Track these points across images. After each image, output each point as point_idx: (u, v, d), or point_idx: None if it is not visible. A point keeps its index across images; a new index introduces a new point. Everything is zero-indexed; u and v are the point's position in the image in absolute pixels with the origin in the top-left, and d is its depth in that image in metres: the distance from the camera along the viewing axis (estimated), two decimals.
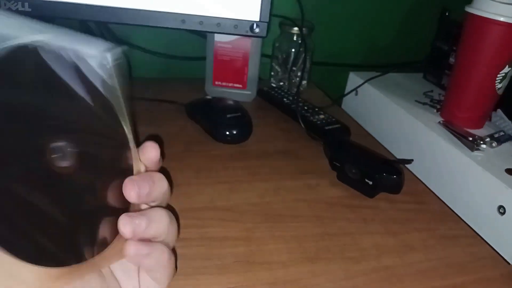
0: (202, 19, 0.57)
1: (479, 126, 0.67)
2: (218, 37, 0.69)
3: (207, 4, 0.57)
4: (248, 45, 0.70)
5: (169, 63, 0.86)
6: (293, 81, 0.84)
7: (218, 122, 0.60)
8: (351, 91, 0.84)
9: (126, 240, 0.26)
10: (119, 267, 0.28)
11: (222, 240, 0.43)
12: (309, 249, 0.43)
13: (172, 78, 0.85)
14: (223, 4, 0.57)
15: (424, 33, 0.94)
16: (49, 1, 0.55)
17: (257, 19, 0.58)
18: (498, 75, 0.62)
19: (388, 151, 0.68)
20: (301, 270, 0.40)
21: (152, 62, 0.84)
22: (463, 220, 0.52)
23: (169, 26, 0.57)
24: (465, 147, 0.59)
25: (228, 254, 0.41)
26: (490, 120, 0.70)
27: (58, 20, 0.74)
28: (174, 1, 0.56)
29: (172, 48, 0.85)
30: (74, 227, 0.25)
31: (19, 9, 0.54)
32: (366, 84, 0.81)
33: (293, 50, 0.81)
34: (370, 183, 0.51)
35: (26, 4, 0.54)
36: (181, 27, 0.58)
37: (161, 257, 0.28)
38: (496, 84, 0.62)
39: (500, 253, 0.48)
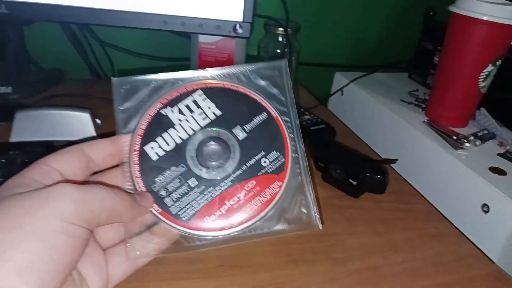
0: (184, 19, 0.56)
1: (463, 124, 0.68)
2: (202, 38, 0.69)
3: (189, 4, 0.56)
4: (233, 46, 0.69)
5: (153, 64, 0.85)
6: None
7: None
8: (337, 91, 0.84)
9: None
10: (85, 262, 0.28)
11: None
12: (294, 251, 0.43)
13: None
14: (205, 4, 0.56)
15: (409, 33, 0.94)
16: (28, 2, 0.54)
17: (240, 19, 0.57)
18: (482, 74, 0.62)
19: (374, 151, 0.68)
20: (286, 272, 0.40)
21: (136, 63, 0.84)
22: (447, 219, 0.52)
23: (151, 27, 0.57)
24: (450, 146, 0.60)
25: (211, 257, 0.40)
26: (474, 118, 0.70)
27: (38, 23, 0.74)
28: (155, 2, 0.55)
29: (156, 50, 0.84)
30: None
31: None
32: (351, 84, 0.81)
33: (278, 50, 0.81)
34: (355, 183, 0.51)
35: (3, 6, 0.53)
36: (163, 28, 0.57)
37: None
38: (479, 83, 0.63)
39: (485, 251, 0.48)
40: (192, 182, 0.34)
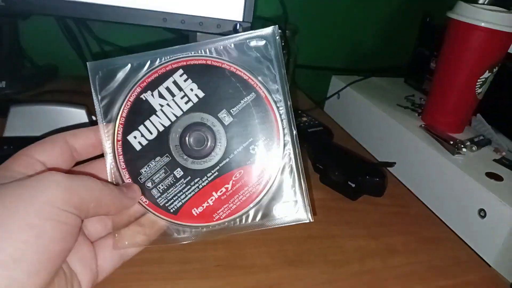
0: (184, 17, 0.56)
1: (460, 130, 0.68)
2: (200, 37, 0.68)
3: (189, 2, 0.55)
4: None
5: None
6: None
7: None
8: (333, 94, 0.84)
9: None
10: (75, 255, 0.28)
11: (203, 244, 0.42)
12: (291, 253, 0.42)
13: None
14: (206, 3, 0.56)
15: (406, 39, 0.95)
16: None
17: (241, 19, 0.57)
18: (478, 80, 0.62)
19: (370, 154, 0.68)
20: (283, 273, 0.40)
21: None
22: (445, 223, 0.52)
23: (150, 24, 0.56)
24: (446, 151, 0.60)
25: (209, 257, 0.40)
26: (470, 124, 0.70)
27: (34, 18, 0.72)
28: None
29: (152, 47, 0.83)
30: None
31: None
32: (348, 87, 0.81)
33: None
34: (353, 185, 0.51)
35: None
36: (163, 26, 0.56)
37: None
38: (476, 89, 0.63)
39: (481, 255, 0.48)
40: (178, 172, 0.32)
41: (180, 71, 0.31)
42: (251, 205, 0.32)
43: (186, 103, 0.31)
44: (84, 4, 0.54)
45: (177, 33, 0.81)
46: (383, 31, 0.98)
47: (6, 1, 0.53)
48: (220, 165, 0.32)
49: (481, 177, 0.54)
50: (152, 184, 0.32)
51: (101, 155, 0.32)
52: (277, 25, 0.31)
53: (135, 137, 0.31)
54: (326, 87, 0.88)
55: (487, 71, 0.62)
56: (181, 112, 0.32)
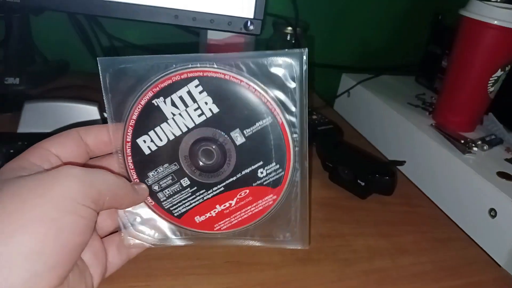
0: (195, 15, 0.56)
1: (471, 129, 0.67)
2: (210, 35, 0.68)
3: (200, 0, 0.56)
4: (242, 44, 0.69)
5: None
6: None
7: None
8: (344, 92, 0.84)
9: None
10: (87, 249, 0.28)
11: None
12: (301, 250, 0.42)
13: None
14: (217, 0, 0.56)
15: (417, 37, 0.94)
16: None
17: (251, 16, 0.57)
18: (491, 79, 0.62)
19: (380, 152, 0.68)
20: (292, 271, 0.40)
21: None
22: (455, 223, 0.52)
23: (162, 21, 0.56)
24: (457, 150, 0.59)
25: (218, 254, 0.40)
26: (481, 123, 0.70)
27: (45, 14, 0.73)
28: None
29: (163, 45, 0.83)
30: None
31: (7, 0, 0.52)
32: (358, 86, 0.81)
33: (286, 49, 0.80)
34: (363, 184, 0.50)
35: None
36: (174, 23, 0.56)
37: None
38: (488, 88, 0.63)
39: (492, 256, 0.47)
40: (185, 181, 0.32)
41: (196, 82, 0.29)
42: (252, 223, 0.33)
43: (199, 116, 0.30)
44: (96, 1, 0.54)
45: (188, 30, 0.81)
46: (394, 29, 0.98)
47: None
48: (227, 182, 0.32)
49: (492, 177, 0.53)
50: (158, 188, 0.33)
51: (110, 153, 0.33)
52: (306, 49, 0.29)
53: (144, 141, 0.31)
54: (337, 85, 0.88)
55: (500, 70, 0.61)
56: (193, 125, 0.31)
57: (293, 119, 0.30)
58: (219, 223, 0.33)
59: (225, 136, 0.31)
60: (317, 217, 0.48)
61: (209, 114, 0.30)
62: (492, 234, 0.50)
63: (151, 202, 0.33)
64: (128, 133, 0.31)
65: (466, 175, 0.55)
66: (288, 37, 0.80)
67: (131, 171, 0.32)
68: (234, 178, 0.32)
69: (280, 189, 0.32)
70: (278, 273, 0.39)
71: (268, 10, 0.81)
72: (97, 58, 0.29)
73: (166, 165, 0.32)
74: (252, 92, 0.29)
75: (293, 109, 0.30)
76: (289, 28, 0.78)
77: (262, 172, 0.32)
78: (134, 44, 0.81)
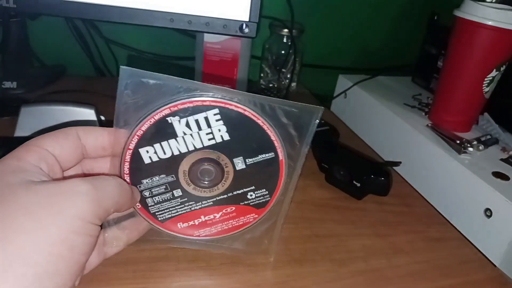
0: (190, 18, 0.56)
1: (467, 129, 0.68)
2: (207, 38, 0.69)
3: (196, 3, 0.56)
4: (238, 46, 0.69)
5: (157, 63, 0.85)
6: (283, 83, 0.84)
7: None
8: (340, 93, 0.84)
9: None
10: None
11: None
12: (296, 251, 0.43)
13: None
14: (212, 3, 0.56)
15: (413, 37, 0.94)
16: None
17: (247, 19, 0.57)
18: (486, 79, 0.62)
19: (377, 153, 0.68)
20: (288, 272, 0.40)
21: (140, 61, 0.84)
22: (450, 223, 0.52)
23: (157, 25, 0.57)
24: (453, 150, 0.60)
25: (214, 255, 0.40)
26: (477, 123, 0.70)
27: (42, 18, 0.74)
28: (162, 0, 0.55)
29: (160, 48, 0.84)
30: None
31: (3, 5, 0.52)
32: (355, 87, 0.81)
33: (283, 52, 0.81)
34: (358, 185, 0.51)
35: (11, 0, 0.53)
36: (169, 26, 0.57)
37: None
38: (483, 88, 0.63)
39: (487, 256, 0.48)
40: (177, 192, 0.34)
41: (216, 110, 0.31)
42: (229, 234, 0.36)
43: (209, 139, 0.32)
44: (92, 5, 0.55)
45: (185, 33, 0.82)
46: (391, 29, 0.98)
47: (18, 3, 0.54)
48: (217, 198, 0.35)
49: (487, 177, 0.54)
50: (149, 194, 0.34)
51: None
52: (323, 108, 0.32)
53: (147, 151, 0.32)
54: (333, 86, 0.88)
55: (495, 70, 0.62)
56: (201, 146, 0.32)
57: (292, 156, 0.34)
58: (199, 231, 0.36)
59: (228, 160, 0.33)
60: (313, 218, 0.48)
61: (219, 140, 0.32)
62: (488, 234, 0.51)
63: (138, 205, 0.34)
64: (132, 141, 0.31)
65: (461, 175, 0.55)
66: (285, 39, 0.80)
67: (125, 175, 0.33)
68: (225, 196, 0.35)
69: (262, 210, 0.36)
70: (274, 273, 0.39)
71: (265, 13, 0.81)
72: (120, 66, 0.29)
73: (163, 175, 0.33)
74: (264, 130, 0.33)
75: (292, 151, 0.34)
76: (285, 30, 0.79)
77: (251, 195, 0.35)
78: (132, 47, 0.82)
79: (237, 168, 0.34)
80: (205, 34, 0.68)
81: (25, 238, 0.22)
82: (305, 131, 0.33)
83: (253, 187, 0.35)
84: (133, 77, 0.30)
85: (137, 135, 0.31)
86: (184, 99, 0.30)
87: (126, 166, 0.32)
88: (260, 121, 0.32)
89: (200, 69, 0.71)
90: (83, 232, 0.25)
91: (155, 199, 0.34)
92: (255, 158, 0.34)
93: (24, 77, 0.68)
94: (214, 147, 0.33)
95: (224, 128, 0.32)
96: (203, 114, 0.31)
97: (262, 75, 0.86)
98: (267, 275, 0.39)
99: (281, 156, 0.34)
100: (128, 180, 0.33)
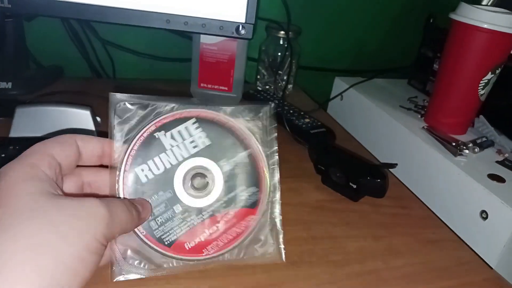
0: (187, 19, 0.56)
1: (462, 132, 0.68)
2: (204, 39, 0.69)
3: (192, 4, 0.56)
4: (234, 47, 0.69)
5: (153, 64, 0.85)
6: (279, 84, 0.84)
7: None
8: (337, 95, 0.85)
9: None
10: None
11: None
12: (293, 253, 0.42)
13: (156, 79, 0.84)
14: (208, 5, 0.56)
15: (410, 40, 0.95)
16: None
17: (243, 20, 0.57)
18: (481, 82, 0.62)
19: (373, 155, 0.68)
20: (284, 273, 0.40)
21: (137, 63, 0.83)
22: (446, 225, 0.52)
23: (154, 26, 0.57)
24: (449, 152, 0.60)
25: None
26: (473, 126, 0.70)
27: (39, 19, 0.73)
28: (159, 1, 0.55)
29: (157, 49, 0.84)
30: None
31: None
32: (351, 89, 0.81)
33: (279, 53, 0.81)
34: (355, 187, 0.51)
35: (5, 0, 0.52)
36: (166, 27, 0.57)
37: None
38: (479, 91, 0.63)
39: (483, 257, 0.48)
40: (177, 208, 0.35)
41: (193, 120, 0.36)
42: (236, 244, 0.37)
43: (194, 147, 0.36)
44: (88, 6, 0.55)
45: (181, 34, 0.82)
46: (387, 32, 0.98)
47: (12, 3, 0.53)
48: (215, 206, 0.36)
49: (483, 179, 0.54)
50: (151, 216, 0.35)
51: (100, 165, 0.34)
52: (272, 104, 0.39)
53: (142, 170, 0.34)
54: (329, 89, 0.88)
55: (490, 73, 0.62)
56: (188, 155, 0.36)
57: (267, 151, 0.38)
58: (207, 248, 0.36)
59: (214, 164, 0.36)
60: (310, 220, 0.48)
61: (202, 146, 0.36)
62: (484, 236, 0.51)
63: (143, 232, 0.34)
64: (128, 163, 0.34)
65: (457, 177, 0.56)
66: (281, 41, 0.80)
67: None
68: (221, 201, 0.37)
69: (257, 208, 0.38)
70: (270, 275, 0.39)
71: (261, 15, 0.81)
72: (109, 94, 0.34)
73: (160, 193, 0.35)
74: (236, 130, 0.37)
75: (264, 143, 0.38)
76: (282, 32, 0.79)
77: (243, 195, 0.37)
78: (128, 48, 0.82)
79: (224, 170, 0.37)
80: (202, 36, 0.68)
81: (50, 252, 0.24)
82: (266, 124, 0.39)
83: (243, 187, 0.37)
84: (122, 101, 0.34)
85: (131, 156, 0.34)
86: (166, 114, 0.35)
87: (126, 189, 0.34)
88: (231, 122, 0.37)
89: (196, 70, 0.71)
90: (95, 251, 0.26)
91: (157, 220, 0.35)
92: (236, 157, 0.37)
93: (20, 78, 0.68)
94: (199, 153, 0.36)
95: (204, 134, 0.36)
96: (184, 125, 0.36)
97: (258, 77, 0.86)
98: (263, 277, 0.39)
99: (256, 150, 0.38)
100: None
